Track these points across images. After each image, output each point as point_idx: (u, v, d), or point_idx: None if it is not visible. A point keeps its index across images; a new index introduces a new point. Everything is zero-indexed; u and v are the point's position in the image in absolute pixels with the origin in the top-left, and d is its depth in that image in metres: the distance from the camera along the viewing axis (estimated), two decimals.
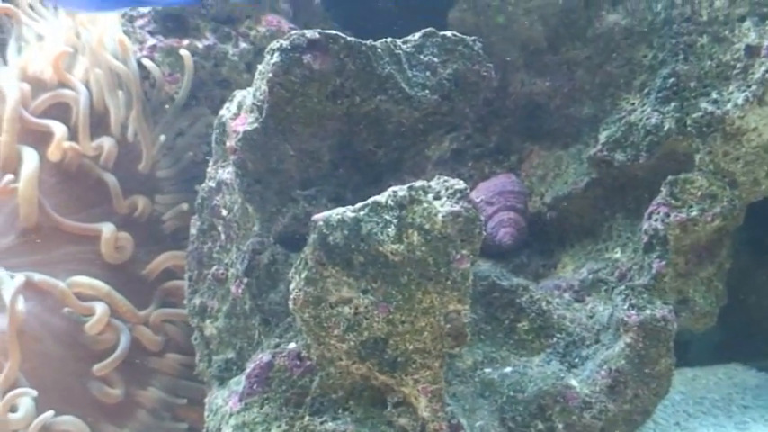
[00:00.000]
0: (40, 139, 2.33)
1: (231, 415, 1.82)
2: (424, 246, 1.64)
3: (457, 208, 1.65)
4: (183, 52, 2.39)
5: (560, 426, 1.86)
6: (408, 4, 2.55)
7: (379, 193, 1.67)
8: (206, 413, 1.96)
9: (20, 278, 2.15)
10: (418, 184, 1.67)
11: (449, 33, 2.11)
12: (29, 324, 2.14)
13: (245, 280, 1.96)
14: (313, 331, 1.69)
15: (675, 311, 1.96)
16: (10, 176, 2.28)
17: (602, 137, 2.15)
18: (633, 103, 2.15)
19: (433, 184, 1.68)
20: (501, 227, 2.16)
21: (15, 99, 2.32)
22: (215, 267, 2.10)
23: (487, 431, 1.82)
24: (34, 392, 2.06)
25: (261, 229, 1.98)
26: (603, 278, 2.08)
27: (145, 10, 2.47)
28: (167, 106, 2.43)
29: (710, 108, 2.00)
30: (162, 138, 2.43)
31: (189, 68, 2.38)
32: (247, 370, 1.85)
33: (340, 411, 1.75)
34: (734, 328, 2.36)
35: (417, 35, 2.09)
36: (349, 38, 1.97)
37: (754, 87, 1.96)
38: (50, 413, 2.05)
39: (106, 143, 2.35)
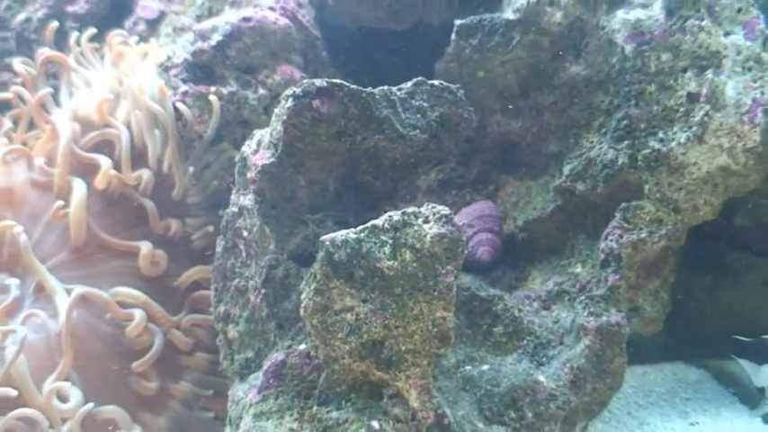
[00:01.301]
0: (88, 171, 2.34)
1: (251, 405, 1.83)
2: (415, 262, 1.65)
3: (443, 230, 1.66)
4: (212, 98, 2.40)
5: (530, 415, 1.86)
6: (401, 56, 2.56)
7: (376, 218, 1.68)
8: (229, 404, 1.96)
9: (76, 292, 2.15)
10: (410, 209, 1.69)
11: (436, 82, 2.12)
12: (79, 328, 2.15)
13: (263, 291, 1.96)
14: (320, 334, 1.69)
15: (627, 318, 1.97)
16: (61, 202, 2.30)
17: (566, 170, 2.15)
18: (592, 142, 2.16)
19: (422, 209, 1.69)
20: (480, 246, 2.16)
21: (68, 137, 2.34)
22: (237, 280, 2.10)
23: (468, 420, 1.81)
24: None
25: (276, 247, 1.98)
26: (566, 289, 2.08)
27: (178, 60, 2.47)
28: (196, 143, 2.43)
29: (658, 146, 2.01)
30: (191, 169, 2.43)
31: (216, 112, 2.39)
32: (264, 367, 1.86)
33: (343, 402, 1.75)
34: (677, 332, 2.37)
35: (410, 83, 2.10)
36: (352, 86, 1.99)
37: (694, 128, 1.98)
38: (90, 405, 2.05)
39: (145, 174, 2.35)
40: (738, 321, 2.13)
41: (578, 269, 2.11)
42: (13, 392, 2.00)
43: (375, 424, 1.72)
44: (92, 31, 2.64)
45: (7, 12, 2.99)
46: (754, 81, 1.99)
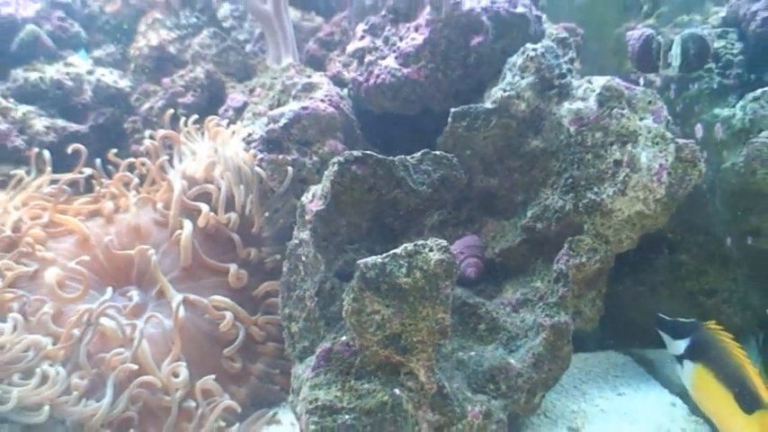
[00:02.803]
0: (193, 213, 2.38)
1: (307, 380, 1.84)
2: (423, 279, 1.68)
3: (443, 257, 1.70)
4: (288, 169, 2.41)
5: (504, 387, 1.88)
6: (413, 133, 2.57)
7: (396, 248, 1.72)
8: (292, 379, 1.98)
9: (179, 297, 2.19)
10: (420, 242, 1.72)
11: (437, 152, 2.16)
12: (186, 324, 2.18)
13: (316, 299, 1.99)
14: (356, 329, 1.73)
15: (572, 318, 2.00)
16: (175, 235, 2.34)
17: (529, 213, 2.16)
18: (547, 194, 2.16)
19: (428, 242, 1.72)
20: (468, 267, 2.16)
21: (179, 190, 2.38)
22: (297, 291, 2.11)
23: (460, 390, 1.84)
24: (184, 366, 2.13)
25: (325, 268, 2.00)
26: (530, 298, 2.09)
27: (256, 136, 2.48)
28: (269, 194, 2.44)
29: (593, 197, 2.03)
30: (266, 213, 2.45)
31: (289, 175, 2.41)
32: (317, 353, 1.88)
33: (372, 378, 1.78)
34: (609, 328, 2.36)
35: (419, 153, 2.14)
36: (378, 155, 2.03)
37: (618, 185, 2.00)
38: (184, 373, 2.10)
39: (233, 216, 2.38)
40: (651, 319, 2.13)
41: (538, 284, 2.11)
42: (135, 367, 2.00)
43: (396, 392, 1.75)
44: (195, 116, 2.68)
45: (136, 102, 3.02)
46: (660, 152, 2.01)
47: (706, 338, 1.90)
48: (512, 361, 1.93)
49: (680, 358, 1.97)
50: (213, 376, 2.15)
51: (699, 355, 1.90)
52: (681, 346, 1.97)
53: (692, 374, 1.92)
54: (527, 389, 1.92)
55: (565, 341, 1.97)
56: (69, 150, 2.52)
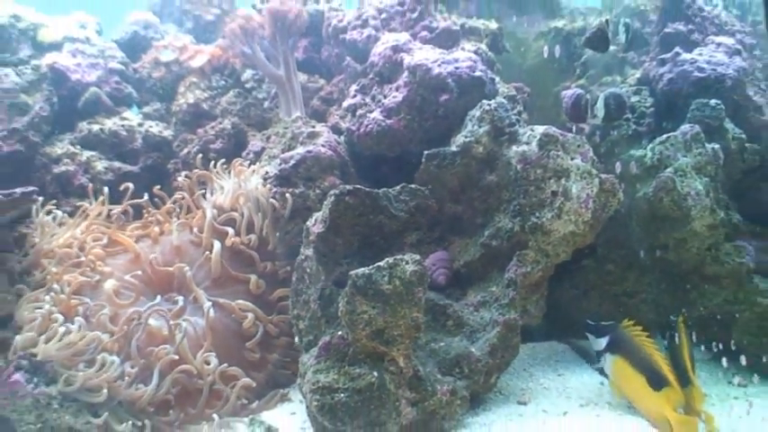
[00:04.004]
0: (222, 235, 2.37)
1: (311, 366, 1.85)
2: (401, 286, 1.71)
3: (416, 268, 1.73)
4: (288, 196, 2.42)
5: (467, 370, 1.90)
6: (395, 170, 2.54)
7: (380, 262, 1.73)
8: (300, 366, 1.95)
9: (208, 303, 2.19)
10: (398, 257, 1.74)
11: (413, 185, 2.19)
12: (216, 323, 2.18)
13: (318, 302, 1.99)
14: (349, 326, 1.74)
15: (520, 316, 2.01)
16: (207, 253, 2.35)
17: (486, 233, 2.16)
18: (500, 218, 2.15)
19: (405, 257, 1.74)
20: (439, 275, 2.16)
21: (210, 217, 2.39)
22: (303, 296, 2.10)
23: (432, 373, 1.86)
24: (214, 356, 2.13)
25: (325, 278, 2.01)
26: (487, 300, 2.08)
27: (271, 174, 2.48)
28: (281, 219, 2.43)
29: (536, 220, 2.03)
30: (278, 234, 2.44)
31: (290, 203, 2.40)
32: (319, 344, 1.88)
33: (362, 364, 1.78)
34: (552, 323, 2.36)
35: (398, 187, 2.17)
36: (367, 189, 2.06)
37: (555, 210, 2.01)
38: (224, 365, 2.09)
39: (252, 237, 2.38)
40: (585, 316, 2.14)
41: (494, 289, 2.10)
42: (176, 357, 2.01)
43: (380, 373, 1.75)
44: (222, 159, 2.68)
45: (177, 148, 3.00)
46: (587, 184, 2.03)
47: (622, 335, 1.93)
48: (473, 350, 1.94)
49: (602, 352, 1.98)
50: (237, 365, 2.14)
51: (617, 349, 1.93)
52: (602, 342, 1.98)
53: (612, 365, 1.94)
54: (485, 371, 1.93)
55: (515, 334, 1.98)
56: (122, 187, 2.56)
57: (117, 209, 2.51)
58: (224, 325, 2.24)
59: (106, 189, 2.55)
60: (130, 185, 2.55)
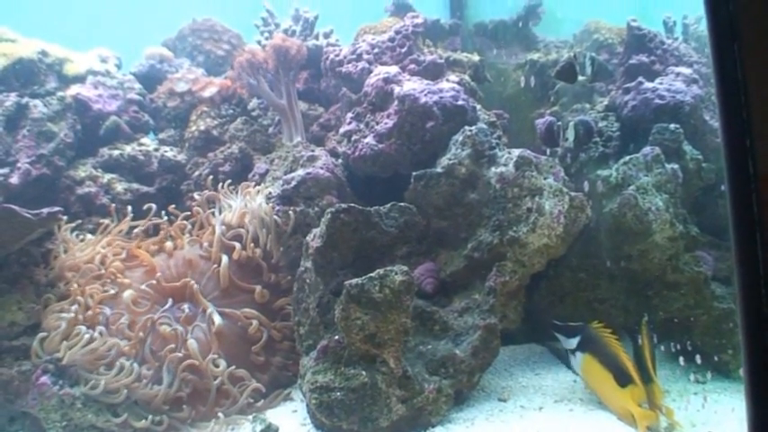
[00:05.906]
0: (230, 249, 2.39)
1: (311, 368, 1.88)
2: (390, 294, 1.74)
3: (405, 278, 1.76)
4: (291, 213, 2.43)
5: (452, 370, 1.92)
6: (387, 189, 2.49)
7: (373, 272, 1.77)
8: (300, 367, 1.99)
9: (211, 310, 2.21)
10: (389, 268, 1.78)
11: (402, 204, 2.20)
12: (223, 329, 2.19)
13: (317, 309, 2.02)
14: (345, 331, 1.77)
15: (500, 320, 2.04)
16: (215, 266, 2.36)
17: (469, 246, 2.18)
18: (481, 232, 2.17)
19: (395, 268, 1.78)
20: (427, 285, 2.18)
21: (219, 233, 2.41)
22: (304, 304, 2.12)
23: (420, 373, 1.88)
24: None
25: (324, 287, 2.04)
26: (470, 306, 2.10)
27: (275, 194, 2.48)
28: (283, 235, 2.43)
29: (513, 234, 2.07)
30: (281, 248, 2.45)
31: (293, 220, 2.42)
32: (317, 348, 1.91)
33: (356, 365, 1.81)
34: (530, 327, 2.38)
35: (389, 205, 2.18)
36: (360, 207, 2.07)
37: (530, 225, 2.05)
38: (232, 367, 2.10)
39: (257, 250, 2.39)
40: (558, 319, 2.16)
41: (476, 296, 2.12)
42: (193, 361, 2.04)
43: (372, 374, 1.78)
44: (230, 180, 2.69)
45: (189, 170, 3.03)
46: (559, 201, 2.07)
47: (591, 335, 1.96)
48: (457, 351, 1.96)
49: (573, 351, 2.01)
50: (243, 367, 2.16)
51: (586, 348, 1.96)
52: (573, 342, 2.01)
53: (582, 362, 1.97)
54: (468, 371, 1.96)
55: (495, 336, 2.00)
56: (144, 207, 2.59)
57: (139, 226, 2.53)
58: (231, 331, 2.25)
59: (130, 208, 2.59)
60: (153, 206, 2.57)
